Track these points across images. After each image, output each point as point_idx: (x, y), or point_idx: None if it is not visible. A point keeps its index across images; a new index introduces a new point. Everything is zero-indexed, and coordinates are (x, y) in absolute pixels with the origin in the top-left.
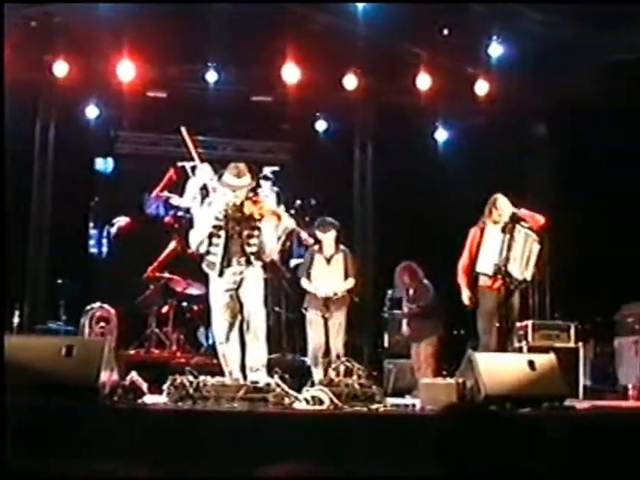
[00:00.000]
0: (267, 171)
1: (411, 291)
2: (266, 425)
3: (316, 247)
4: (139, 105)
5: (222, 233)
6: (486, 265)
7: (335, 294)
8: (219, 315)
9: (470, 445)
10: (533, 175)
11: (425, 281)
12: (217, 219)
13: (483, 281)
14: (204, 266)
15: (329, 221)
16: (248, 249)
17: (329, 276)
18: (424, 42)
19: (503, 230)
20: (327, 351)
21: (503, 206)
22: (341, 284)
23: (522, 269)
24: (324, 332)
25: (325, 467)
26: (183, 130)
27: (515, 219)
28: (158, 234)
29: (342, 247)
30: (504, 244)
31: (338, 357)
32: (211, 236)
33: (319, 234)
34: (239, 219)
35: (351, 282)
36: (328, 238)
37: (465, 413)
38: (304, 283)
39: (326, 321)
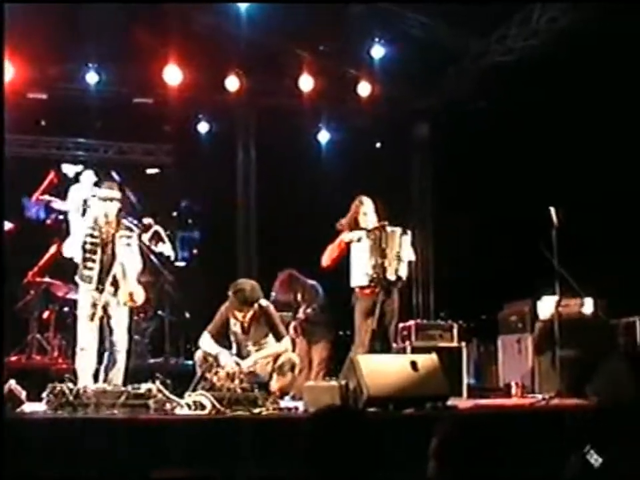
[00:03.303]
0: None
1: (299, 295)
2: (147, 431)
3: None
4: (18, 107)
5: (98, 249)
6: (359, 278)
7: None
8: (83, 323)
9: (337, 448)
10: (414, 175)
11: (312, 282)
12: (92, 230)
13: (358, 288)
14: (77, 278)
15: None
16: (119, 267)
17: None
18: (305, 43)
19: (369, 235)
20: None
21: (367, 209)
22: None
23: (395, 268)
24: None
25: (205, 472)
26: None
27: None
28: (38, 238)
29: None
30: (374, 251)
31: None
32: (86, 249)
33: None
34: (110, 235)
35: None
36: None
37: (333, 416)
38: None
39: None
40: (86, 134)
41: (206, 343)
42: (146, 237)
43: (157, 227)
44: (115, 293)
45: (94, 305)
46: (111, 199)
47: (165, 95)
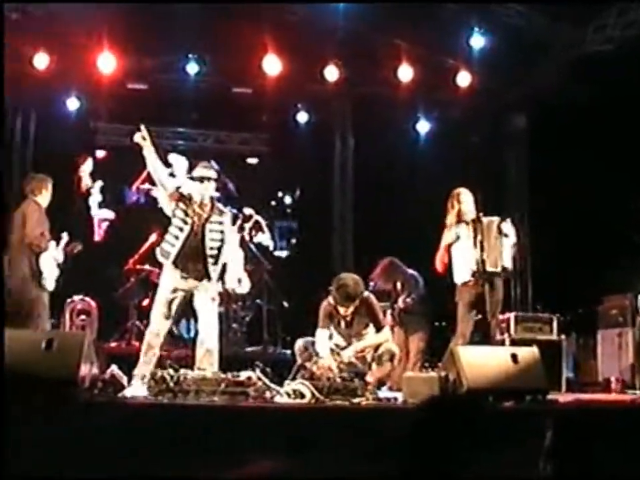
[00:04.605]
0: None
1: (399, 285)
2: (246, 419)
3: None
4: (119, 97)
5: (186, 227)
6: (462, 275)
7: None
8: (159, 309)
9: (448, 437)
10: (511, 167)
11: (411, 272)
12: (184, 206)
13: (462, 283)
14: (157, 253)
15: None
16: (209, 252)
17: None
18: (405, 33)
19: (469, 227)
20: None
21: (466, 200)
22: None
23: (495, 258)
24: None
25: (304, 461)
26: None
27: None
28: (138, 226)
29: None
30: (475, 245)
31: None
32: (173, 223)
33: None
34: (204, 217)
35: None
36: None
37: (444, 405)
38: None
39: None
40: (185, 123)
41: (322, 341)
42: (247, 227)
43: (257, 217)
44: (201, 280)
45: (174, 290)
46: (208, 179)
47: (264, 84)
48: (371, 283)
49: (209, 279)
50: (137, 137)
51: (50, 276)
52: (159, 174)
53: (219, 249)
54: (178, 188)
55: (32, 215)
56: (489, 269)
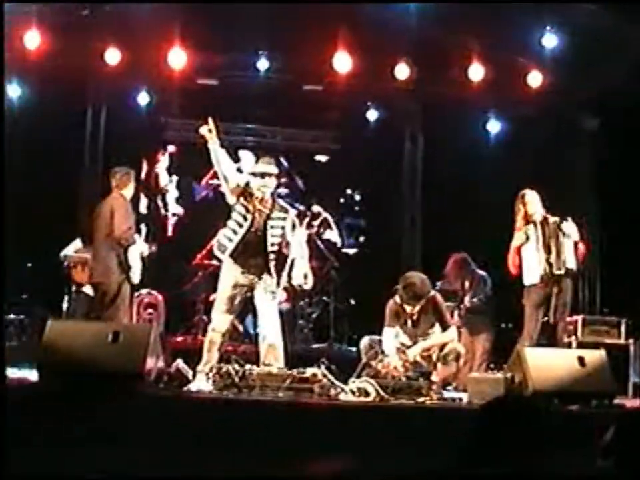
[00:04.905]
0: None
1: (467, 283)
2: (310, 416)
3: None
4: (189, 93)
5: (245, 223)
6: (531, 277)
7: None
8: (221, 305)
9: (510, 439)
10: (581, 166)
11: (481, 272)
12: (245, 202)
13: (530, 285)
14: (214, 247)
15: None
16: (270, 248)
17: None
18: (476, 32)
19: (537, 229)
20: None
21: (532, 201)
22: None
23: (562, 261)
24: None
25: (367, 460)
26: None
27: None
28: (207, 221)
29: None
30: (541, 247)
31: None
32: (232, 217)
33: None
34: (265, 213)
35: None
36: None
37: (507, 407)
38: None
39: None
40: (254, 120)
41: (388, 339)
42: (315, 224)
43: (325, 214)
44: (260, 276)
45: (235, 286)
46: (269, 175)
47: (334, 82)
48: (438, 283)
49: (269, 274)
50: (204, 130)
51: (136, 269)
52: (222, 168)
53: (280, 245)
54: (240, 183)
55: (119, 209)
56: (555, 271)
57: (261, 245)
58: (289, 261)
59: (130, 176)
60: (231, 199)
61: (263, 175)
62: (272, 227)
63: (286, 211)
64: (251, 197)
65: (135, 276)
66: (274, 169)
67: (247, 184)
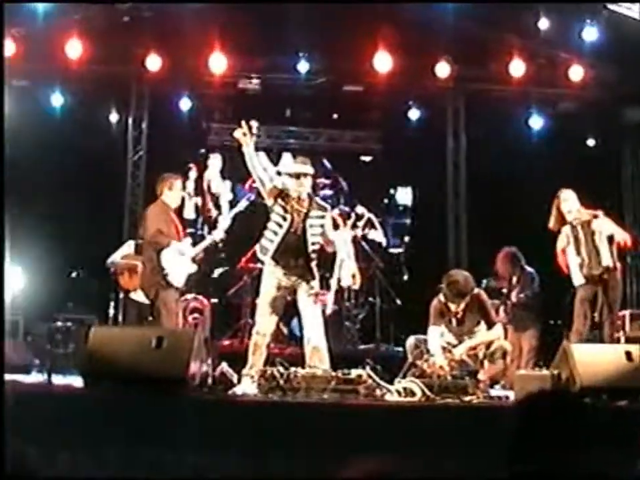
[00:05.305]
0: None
1: (514, 279)
2: (356, 417)
3: None
4: (230, 97)
5: (284, 224)
6: (578, 279)
7: None
8: (264, 308)
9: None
10: (626, 161)
11: (529, 269)
12: (283, 203)
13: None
14: (257, 250)
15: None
16: (310, 248)
17: None
18: (516, 28)
19: (573, 231)
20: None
21: (567, 199)
22: None
23: (597, 259)
24: None
25: (414, 460)
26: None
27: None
28: (250, 225)
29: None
30: (579, 250)
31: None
32: (271, 219)
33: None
34: (303, 213)
35: None
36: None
37: (551, 402)
38: None
39: None
40: (296, 122)
41: (433, 338)
42: (359, 225)
43: (369, 215)
44: (303, 277)
45: (277, 288)
46: (304, 175)
47: (375, 82)
48: (484, 281)
49: (312, 275)
50: (238, 133)
51: (174, 272)
52: (257, 170)
53: (320, 244)
54: (276, 184)
55: (150, 213)
56: (594, 272)
57: (301, 245)
58: (337, 263)
59: (169, 182)
60: (268, 201)
61: (298, 175)
62: (311, 226)
63: (324, 210)
64: (288, 198)
65: (173, 278)
66: (309, 169)
67: (283, 185)
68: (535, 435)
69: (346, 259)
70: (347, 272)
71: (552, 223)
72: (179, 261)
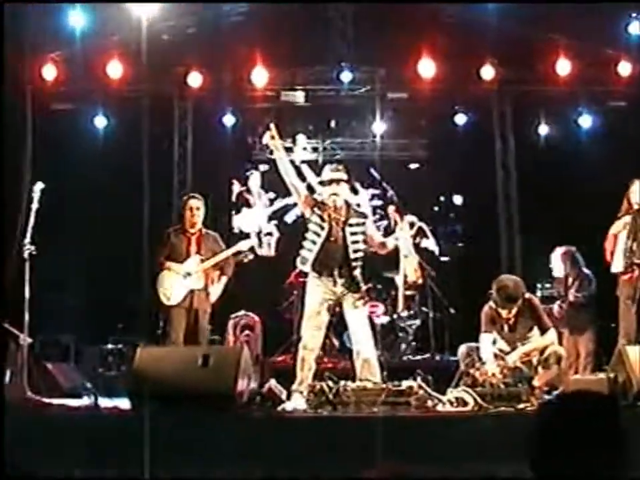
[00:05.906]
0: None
1: (570, 279)
2: (408, 429)
3: None
4: (274, 110)
5: (322, 232)
6: (617, 266)
7: None
8: (309, 322)
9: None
10: None
11: (587, 271)
12: (319, 211)
13: (620, 275)
14: (297, 262)
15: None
16: (352, 256)
17: None
18: (560, 26)
19: (635, 220)
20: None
21: (636, 190)
22: None
23: None
24: None
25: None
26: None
27: None
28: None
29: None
30: (630, 236)
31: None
32: (309, 228)
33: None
34: (341, 221)
35: None
36: None
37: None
38: None
39: None
40: (341, 133)
41: (485, 346)
42: (410, 233)
43: (420, 223)
44: (347, 288)
45: (322, 301)
46: (337, 181)
47: (419, 88)
48: (538, 285)
49: (357, 285)
50: (266, 138)
51: (167, 291)
52: (290, 179)
53: (364, 251)
54: (308, 194)
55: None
56: (636, 259)
57: (341, 254)
58: (401, 259)
59: (185, 203)
60: (305, 211)
61: (331, 182)
62: (352, 234)
63: (364, 216)
64: (324, 206)
65: (164, 297)
66: (343, 175)
67: (319, 194)
68: (561, 438)
69: (408, 254)
70: (410, 267)
71: (621, 213)
72: (173, 281)
